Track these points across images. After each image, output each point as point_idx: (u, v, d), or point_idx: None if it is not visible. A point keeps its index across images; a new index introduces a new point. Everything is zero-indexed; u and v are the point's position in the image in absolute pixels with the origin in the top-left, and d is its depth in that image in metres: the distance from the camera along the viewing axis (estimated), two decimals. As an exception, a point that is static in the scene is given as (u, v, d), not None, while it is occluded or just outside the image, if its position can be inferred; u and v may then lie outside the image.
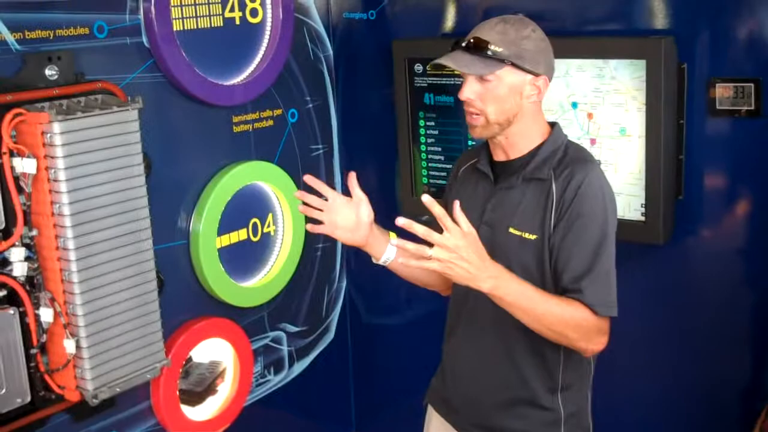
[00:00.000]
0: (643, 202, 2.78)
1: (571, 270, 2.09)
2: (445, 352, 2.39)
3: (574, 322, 2.05)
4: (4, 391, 2.42)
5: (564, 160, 2.15)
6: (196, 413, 3.04)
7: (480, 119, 2.14)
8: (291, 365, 3.44)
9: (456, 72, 2.19)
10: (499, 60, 2.08)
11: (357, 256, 3.53)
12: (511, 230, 2.15)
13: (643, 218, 2.79)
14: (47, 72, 2.49)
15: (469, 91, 2.13)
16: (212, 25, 2.95)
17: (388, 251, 2.24)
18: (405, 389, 3.19)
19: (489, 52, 2.08)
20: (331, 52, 3.44)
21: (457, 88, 2.17)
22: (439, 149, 3.30)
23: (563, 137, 2.22)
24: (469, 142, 3.15)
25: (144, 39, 2.74)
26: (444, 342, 2.39)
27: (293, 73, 3.29)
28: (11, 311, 2.42)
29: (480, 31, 2.12)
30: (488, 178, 2.23)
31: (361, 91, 3.49)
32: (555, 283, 2.12)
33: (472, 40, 2.11)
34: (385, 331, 3.66)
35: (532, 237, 2.13)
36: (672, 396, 2.95)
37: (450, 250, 1.91)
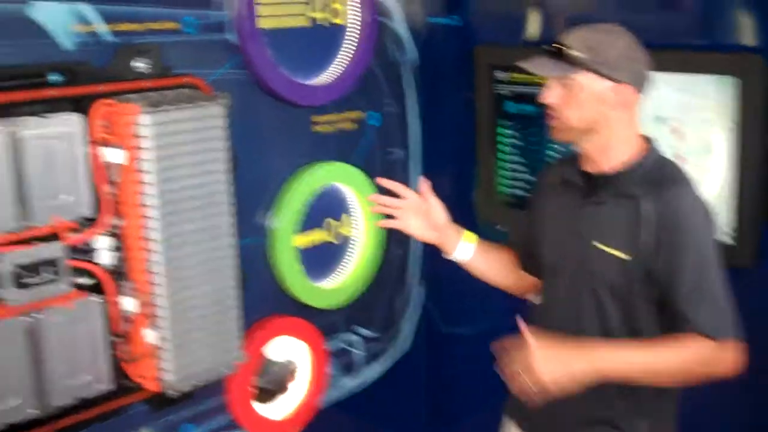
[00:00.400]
0: (728, 223, 2.69)
1: (678, 297, 2.04)
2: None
3: (693, 359, 2.01)
4: (87, 377, 2.44)
5: (659, 178, 2.10)
6: (270, 411, 3.04)
7: (559, 122, 2.12)
8: (364, 369, 3.42)
9: (540, 80, 2.19)
10: (578, 64, 2.07)
11: (435, 263, 3.50)
12: (598, 245, 2.11)
13: (730, 241, 2.68)
14: (137, 64, 2.53)
15: (549, 95, 2.13)
16: (297, 25, 2.96)
17: (461, 249, 2.25)
18: (479, 401, 3.14)
19: (568, 56, 2.07)
20: (413, 56, 3.43)
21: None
22: (519, 158, 3.26)
23: (658, 153, 2.17)
24: (550, 153, 3.11)
25: (231, 36, 2.77)
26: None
27: (375, 76, 3.29)
28: (97, 299, 2.45)
29: (563, 37, 2.11)
30: (577, 190, 2.20)
31: (441, 96, 3.47)
32: (660, 310, 2.07)
33: (553, 45, 2.11)
34: (460, 341, 3.61)
35: (622, 256, 2.08)
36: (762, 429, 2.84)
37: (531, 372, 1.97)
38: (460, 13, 3.37)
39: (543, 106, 2.17)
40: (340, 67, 3.12)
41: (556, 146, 3.08)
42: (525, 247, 2.40)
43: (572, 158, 2.25)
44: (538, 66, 2.13)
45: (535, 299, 2.37)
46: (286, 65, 2.92)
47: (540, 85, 2.20)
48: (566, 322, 2.11)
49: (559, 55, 2.09)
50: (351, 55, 3.12)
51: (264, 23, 2.84)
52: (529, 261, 2.39)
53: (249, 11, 2.77)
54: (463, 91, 3.36)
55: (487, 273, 2.45)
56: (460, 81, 3.38)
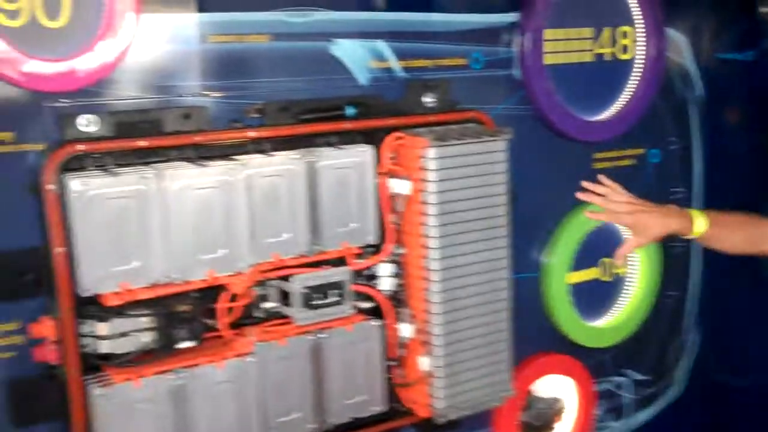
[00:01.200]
0: None
1: None
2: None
3: None
4: (363, 397, 2.54)
5: None
6: (533, 448, 3.02)
7: None
8: (632, 414, 3.31)
9: None
10: None
11: (714, 308, 3.33)
12: None
13: None
14: (425, 99, 2.62)
15: None
16: (582, 60, 2.94)
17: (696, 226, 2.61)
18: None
19: None
20: (699, 92, 3.29)
21: None
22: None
23: None
24: None
25: (516, 72, 2.79)
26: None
27: (658, 112, 3.19)
28: (375, 323, 2.54)
29: None
30: None
31: (729, 135, 3.31)
32: None
33: None
34: (739, 392, 3.40)
35: None
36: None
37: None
38: (755, 48, 3.19)
39: None
40: (623, 103, 3.05)
41: None
42: None
43: None
44: None
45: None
46: (569, 101, 2.91)
47: None
48: None
49: None
50: (635, 91, 3.05)
51: (549, 59, 2.84)
52: None
53: (536, 47, 2.78)
54: (755, 130, 3.17)
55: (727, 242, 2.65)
56: (751, 119, 3.20)
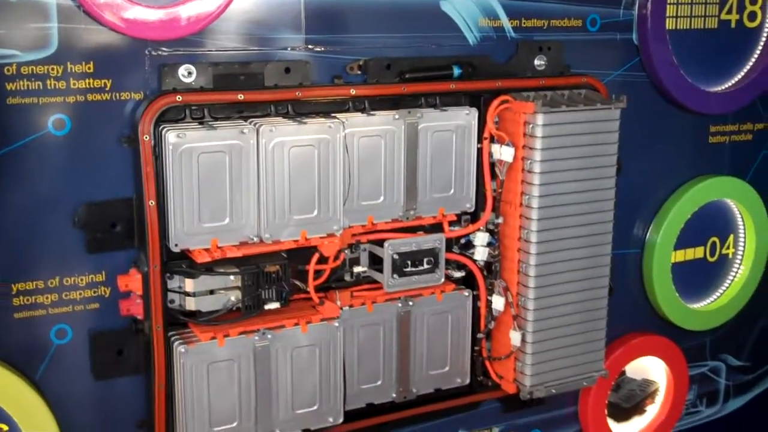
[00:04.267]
0: None
1: None
2: None
3: None
4: (447, 368, 2.46)
5: None
6: (620, 429, 2.91)
7: None
8: (726, 401, 3.17)
9: None
10: None
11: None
12: None
13: None
14: (536, 62, 2.48)
15: None
16: (705, 26, 2.74)
17: None
18: None
19: None
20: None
21: None
22: None
23: None
24: None
25: (634, 36, 2.62)
26: None
27: (784, 85, 2.98)
28: (467, 293, 2.45)
29: None
30: None
31: None
32: None
33: None
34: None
35: None
36: None
37: None
38: None
39: None
40: (746, 74, 2.85)
41: None
42: None
43: None
44: None
45: None
46: (688, 69, 2.72)
47: None
48: None
49: None
50: (761, 62, 2.84)
51: (670, 24, 2.66)
52: None
53: (659, 10, 2.60)
54: None
55: None
56: None
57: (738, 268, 3.03)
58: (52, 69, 1.95)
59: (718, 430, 3.17)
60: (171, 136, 1.97)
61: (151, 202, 2.01)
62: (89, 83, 1.99)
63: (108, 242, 2.07)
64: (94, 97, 2.00)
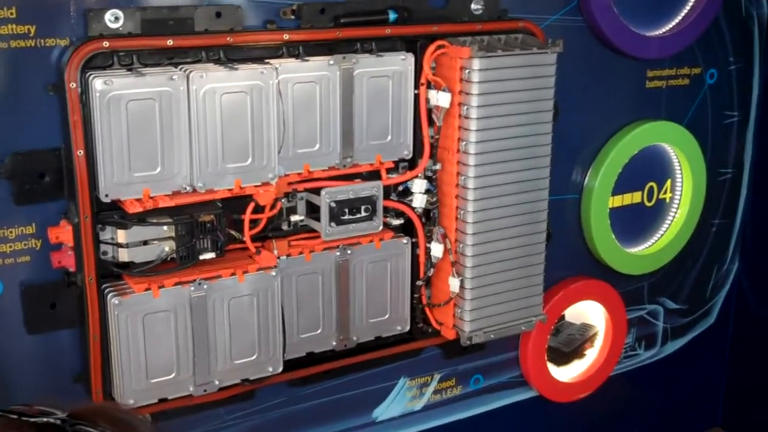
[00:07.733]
0: None
1: None
2: None
3: None
4: (387, 316, 2.47)
5: None
6: (560, 373, 2.95)
7: None
8: (663, 343, 3.23)
9: None
10: None
11: (756, 238, 3.20)
12: None
13: None
14: (473, 6, 2.45)
15: None
16: (641, -29, 2.74)
17: None
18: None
19: None
20: (766, 9, 3.08)
21: None
22: None
23: None
24: None
25: (571, -20, 2.61)
26: None
27: (720, 30, 2.99)
28: (405, 240, 2.45)
29: None
30: None
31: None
32: None
33: None
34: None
35: None
36: None
37: None
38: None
39: None
40: (683, 18, 2.85)
41: None
42: None
43: None
44: None
45: None
46: (625, 14, 2.72)
47: None
48: None
49: None
50: (697, 6, 2.85)
51: (609, -33, 2.65)
52: None
53: (594, -46, 2.59)
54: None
55: None
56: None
57: (675, 213, 3.06)
58: (-29, 15, 1.89)
59: (657, 372, 3.23)
60: (98, 83, 1.91)
61: (80, 152, 1.96)
62: (12, 29, 1.92)
63: (37, 193, 2.01)
64: (18, 43, 1.93)
